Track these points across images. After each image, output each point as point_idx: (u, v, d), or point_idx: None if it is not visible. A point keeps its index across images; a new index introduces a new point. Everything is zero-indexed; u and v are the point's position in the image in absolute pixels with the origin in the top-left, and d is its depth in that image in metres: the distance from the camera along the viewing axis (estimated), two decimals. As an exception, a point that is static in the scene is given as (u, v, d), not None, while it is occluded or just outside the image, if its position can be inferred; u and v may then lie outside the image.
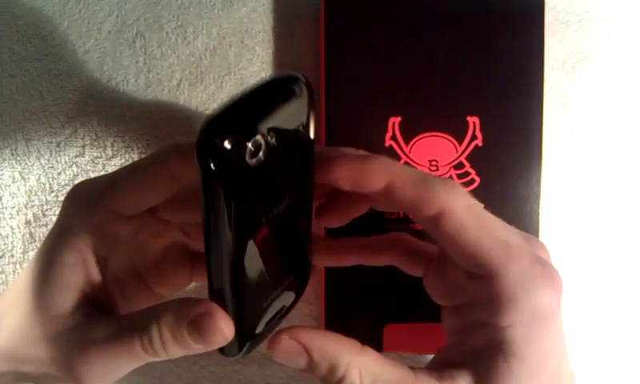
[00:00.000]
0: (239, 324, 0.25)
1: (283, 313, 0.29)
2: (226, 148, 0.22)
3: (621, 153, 0.38)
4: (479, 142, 0.36)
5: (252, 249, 0.25)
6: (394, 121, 0.35)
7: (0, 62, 0.36)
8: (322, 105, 0.35)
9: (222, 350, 0.26)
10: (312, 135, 0.26)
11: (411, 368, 0.26)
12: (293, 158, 0.26)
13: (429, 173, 0.27)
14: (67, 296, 0.27)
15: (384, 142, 0.35)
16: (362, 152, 0.28)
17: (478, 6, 0.35)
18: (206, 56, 0.36)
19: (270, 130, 0.23)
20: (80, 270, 0.27)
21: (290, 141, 0.25)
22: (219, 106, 0.22)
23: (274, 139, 0.23)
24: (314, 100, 0.26)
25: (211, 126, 0.22)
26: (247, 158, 0.22)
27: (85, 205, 0.27)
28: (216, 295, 0.25)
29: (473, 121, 0.36)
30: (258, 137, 0.23)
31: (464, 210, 0.25)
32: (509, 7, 0.35)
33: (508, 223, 0.27)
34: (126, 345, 0.25)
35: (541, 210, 0.36)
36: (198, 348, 0.25)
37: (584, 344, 0.40)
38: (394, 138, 0.35)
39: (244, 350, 0.27)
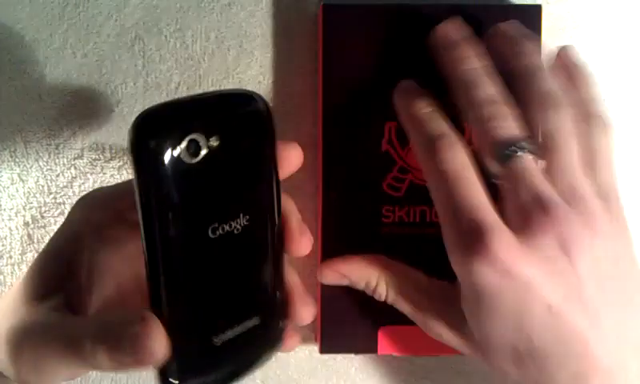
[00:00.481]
0: (178, 347, 0.24)
1: (247, 364, 0.27)
2: (155, 138, 0.21)
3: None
4: (475, 147, 0.36)
5: (197, 263, 0.24)
6: (391, 126, 0.35)
7: (-1, 64, 0.36)
8: (319, 109, 0.35)
9: (161, 378, 0.25)
10: (274, 163, 0.26)
11: (428, 278, 0.33)
12: (247, 176, 0.25)
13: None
14: (42, 285, 0.27)
15: (380, 146, 0.35)
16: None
17: (475, 13, 0.35)
18: (204, 60, 0.36)
19: (213, 133, 0.23)
20: (63, 261, 0.27)
21: (242, 155, 0.24)
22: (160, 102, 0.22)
23: (217, 145, 0.23)
24: (273, 127, 0.25)
25: (143, 120, 0.22)
26: (183, 155, 0.22)
27: (90, 202, 0.29)
28: (154, 305, 0.24)
29: (469, 126, 0.36)
30: (197, 136, 0.22)
31: (430, 171, 0.31)
32: (505, 14, 0.35)
33: None
34: (70, 347, 0.24)
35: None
36: (127, 362, 0.23)
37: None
38: (390, 142, 0.36)
39: None
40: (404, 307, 0.33)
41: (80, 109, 0.37)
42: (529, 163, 0.29)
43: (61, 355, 0.24)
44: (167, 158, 0.22)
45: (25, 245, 0.38)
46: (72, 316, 0.26)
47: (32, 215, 0.37)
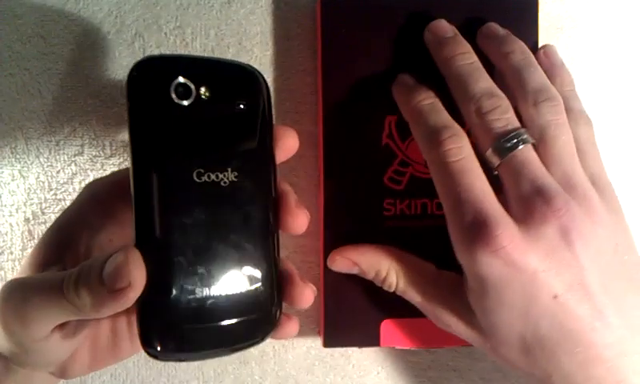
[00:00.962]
0: (156, 287, 0.24)
1: (233, 335, 0.27)
2: (148, 77, 0.24)
3: (610, 154, 0.39)
4: (473, 140, 0.36)
5: (182, 203, 0.25)
6: (391, 120, 0.36)
7: (0, 60, 0.36)
8: (319, 105, 0.36)
9: (143, 341, 0.25)
10: (269, 135, 0.28)
11: (437, 269, 0.33)
12: (237, 134, 0.26)
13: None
14: (45, 254, 0.29)
15: (381, 140, 0.36)
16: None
17: (473, 10, 0.36)
18: (204, 56, 0.37)
19: (202, 83, 0.25)
20: (65, 234, 0.29)
21: (232, 113, 0.26)
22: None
23: (207, 95, 0.25)
24: (267, 96, 0.28)
25: (142, 61, 0.25)
26: (173, 95, 0.25)
27: (97, 183, 0.31)
28: (138, 239, 0.25)
29: None
30: (187, 81, 0.25)
31: (434, 165, 0.31)
32: (503, 11, 0.36)
33: None
34: (54, 287, 0.25)
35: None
36: (107, 296, 0.23)
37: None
38: (390, 136, 0.36)
39: (166, 344, 0.25)
40: (414, 297, 0.33)
41: (80, 105, 0.37)
42: (529, 154, 0.29)
43: (45, 299, 0.25)
44: (156, 94, 0.24)
45: (25, 240, 0.38)
46: (60, 271, 0.27)
47: (33, 211, 0.37)
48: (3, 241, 0.38)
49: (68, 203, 0.37)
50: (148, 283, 0.24)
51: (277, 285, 0.28)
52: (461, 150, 0.30)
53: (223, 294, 0.26)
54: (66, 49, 0.36)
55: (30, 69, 0.36)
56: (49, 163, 0.37)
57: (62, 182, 0.37)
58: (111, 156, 0.37)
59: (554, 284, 0.27)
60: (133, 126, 0.24)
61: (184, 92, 0.25)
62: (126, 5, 0.36)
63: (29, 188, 0.37)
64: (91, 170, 0.37)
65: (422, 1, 0.36)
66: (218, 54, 0.37)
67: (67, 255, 0.29)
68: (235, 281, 0.26)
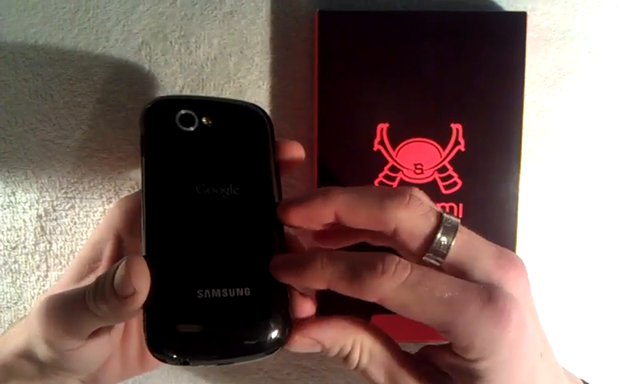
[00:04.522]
0: (163, 295, 0.26)
1: (236, 345, 0.27)
2: (158, 110, 0.29)
3: (598, 166, 0.41)
4: (462, 147, 0.38)
5: (184, 215, 0.28)
6: (382, 127, 0.37)
7: (14, 66, 0.38)
8: (315, 112, 0.37)
9: (149, 344, 0.26)
10: (271, 155, 0.31)
11: (402, 352, 0.30)
12: (238, 155, 0.30)
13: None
14: (78, 270, 0.32)
15: (372, 146, 0.37)
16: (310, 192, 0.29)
17: (464, 22, 0.37)
18: (207, 65, 0.39)
19: (205, 114, 0.30)
20: (96, 249, 0.32)
21: (233, 138, 0.30)
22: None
23: (209, 123, 0.30)
24: (272, 129, 0.31)
25: (155, 102, 0.30)
26: (178, 122, 0.29)
27: (126, 200, 0.34)
28: (147, 250, 0.27)
29: (456, 128, 0.38)
30: (191, 112, 0.29)
31: (398, 293, 0.26)
32: (492, 23, 0.37)
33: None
34: (81, 300, 0.27)
35: (519, 212, 0.38)
36: (117, 304, 0.25)
37: (561, 340, 0.42)
38: (381, 142, 0.38)
39: (168, 344, 0.26)
40: (376, 376, 0.29)
41: (90, 109, 0.39)
42: (465, 236, 0.27)
43: (77, 312, 0.27)
44: (164, 121, 0.29)
45: (38, 236, 0.40)
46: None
47: (45, 208, 0.40)
48: (17, 236, 0.40)
49: (78, 201, 0.39)
50: (154, 289, 0.26)
51: (284, 294, 0.28)
52: (404, 262, 0.26)
53: (228, 299, 0.27)
54: (76, 56, 0.38)
55: (42, 74, 0.38)
56: (60, 164, 0.39)
57: (72, 181, 0.39)
58: (119, 159, 0.39)
59: (538, 343, 0.27)
60: (144, 151, 0.29)
61: (188, 121, 0.29)
62: (133, 14, 0.38)
63: (41, 186, 0.39)
64: (99, 171, 0.39)
65: (414, 14, 0.37)
66: (220, 62, 0.39)
67: (99, 269, 0.32)
68: (241, 287, 0.27)
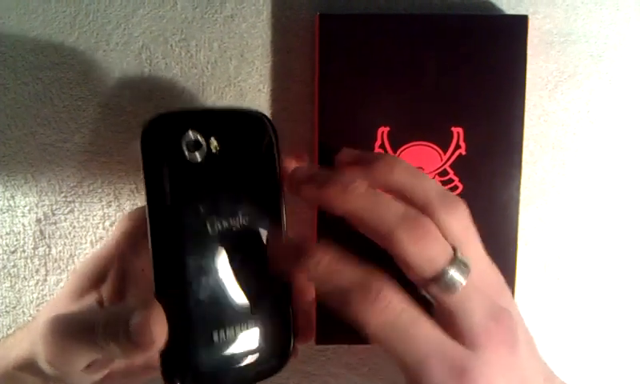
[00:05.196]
0: (177, 336, 0.25)
1: (249, 375, 0.28)
2: (161, 134, 0.25)
3: (599, 169, 0.40)
4: (463, 151, 0.38)
5: (197, 253, 0.26)
6: (383, 130, 0.37)
7: (14, 70, 0.38)
8: (315, 115, 0.37)
9: (165, 378, 0.26)
10: (277, 175, 0.28)
11: None
12: (247, 182, 0.28)
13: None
14: (81, 284, 0.31)
15: (373, 150, 0.37)
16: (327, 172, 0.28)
17: (464, 25, 0.37)
18: (207, 68, 0.38)
19: (213, 136, 0.26)
20: (100, 265, 0.31)
21: (242, 160, 0.27)
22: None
23: (217, 147, 0.26)
24: (277, 141, 0.28)
25: (154, 119, 0.25)
26: (185, 150, 0.26)
27: (131, 217, 0.33)
28: (158, 290, 0.26)
29: (457, 131, 0.38)
30: (197, 135, 0.26)
31: (379, 326, 0.25)
32: (493, 27, 0.37)
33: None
34: (88, 330, 0.27)
35: (520, 218, 0.38)
36: (131, 348, 0.25)
37: (562, 344, 0.42)
38: (382, 146, 0.37)
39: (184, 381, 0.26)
40: None
41: (90, 113, 0.39)
42: (473, 280, 0.26)
43: (81, 340, 0.27)
44: (169, 152, 0.25)
45: (37, 240, 0.40)
46: (96, 308, 0.29)
47: (44, 212, 0.39)
48: (16, 240, 0.40)
49: (77, 205, 0.39)
50: (169, 332, 0.25)
51: (289, 318, 0.29)
52: (399, 299, 0.26)
53: (242, 335, 0.27)
54: (76, 59, 0.38)
55: (42, 78, 0.38)
56: (59, 167, 0.39)
57: (71, 185, 0.39)
58: (119, 162, 0.39)
59: None
60: (148, 181, 0.26)
61: (195, 146, 0.26)
62: (134, 18, 0.38)
63: (40, 190, 0.39)
64: (99, 175, 0.39)
65: (415, 17, 0.37)
66: (221, 66, 0.38)
67: (103, 284, 0.31)
68: (252, 319, 0.28)
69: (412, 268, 0.26)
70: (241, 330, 0.27)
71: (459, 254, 0.26)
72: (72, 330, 0.28)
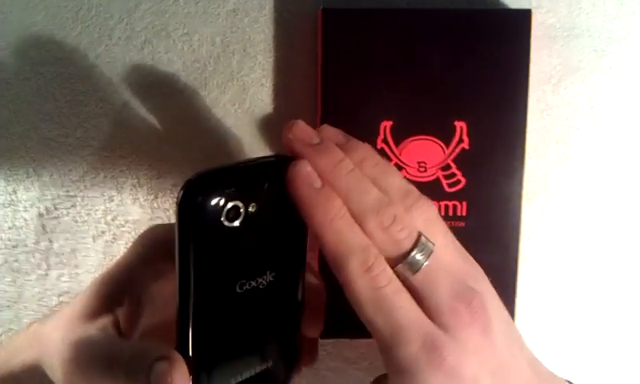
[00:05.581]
0: None
1: None
2: (200, 204, 0.24)
3: (602, 164, 0.40)
4: (465, 145, 0.38)
5: (223, 314, 0.26)
6: (386, 125, 0.37)
7: (16, 65, 0.38)
8: (318, 109, 0.37)
9: None
10: (304, 225, 0.27)
11: None
12: (278, 235, 0.27)
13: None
14: (96, 305, 0.30)
15: (376, 144, 0.37)
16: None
17: (468, 19, 0.37)
18: (210, 63, 0.38)
19: (252, 201, 0.25)
20: (115, 287, 0.30)
21: (276, 219, 0.27)
22: (210, 167, 0.24)
23: (254, 211, 0.25)
24: None
25: (193, 183, 0.24)
26: (224, 219, 0.24)
27: (148, 237, 0.32)
28: (180, 346, 0.26)
29: (460, 125, 0.38)
30: (238, 203, 0.25)
31: (365, 292, 0.27)
32: (497, 21, 0.37)
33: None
34: (108, 365, 0.27)
35: (523, 212, 0.38)
36: None
37: (562, 340, 0.42)
38: (385, 140, 0.37)
39: None
40: None
41: (92, 108, 0.39)
42: (439, 261, 0.28)
43: (100, 374, 0.27)
44: (208, 220, 0.24)
45: (39, 234, 0.40)
46: (116, 337, 0.29)
47: (46, 207, 0.39)
48: (18, 234, 0.40)
49: (79, 200, 0.39)
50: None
51: (297, 353, 0.31)
52: (387, 272, 0.27)
53: (253, 373, 0.29)
54: (78, 54, 0.38)
55: (44, 73, 0.38)
56: (62, 162, 0.39)
57: (73, 179, 0.39)
58: (121, 157, 0.39)
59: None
60: (181, 246, 0.24)
61: (234, 214, 0.25)
62: (136, 13, 0.38)
63: (42, 185, 0.39)
64: (101, 170, 0.39)
65: (418, 11, 0.37)
66: (223, 61, 0.38)
67: (118, 307, 0.30)
68: (263, 359, 0.29)
69: (381, 251, 0.27)
70: (255, 372, 0.29)
71: (423, 239, 0.28)
72: (94, 362, 0.28)
